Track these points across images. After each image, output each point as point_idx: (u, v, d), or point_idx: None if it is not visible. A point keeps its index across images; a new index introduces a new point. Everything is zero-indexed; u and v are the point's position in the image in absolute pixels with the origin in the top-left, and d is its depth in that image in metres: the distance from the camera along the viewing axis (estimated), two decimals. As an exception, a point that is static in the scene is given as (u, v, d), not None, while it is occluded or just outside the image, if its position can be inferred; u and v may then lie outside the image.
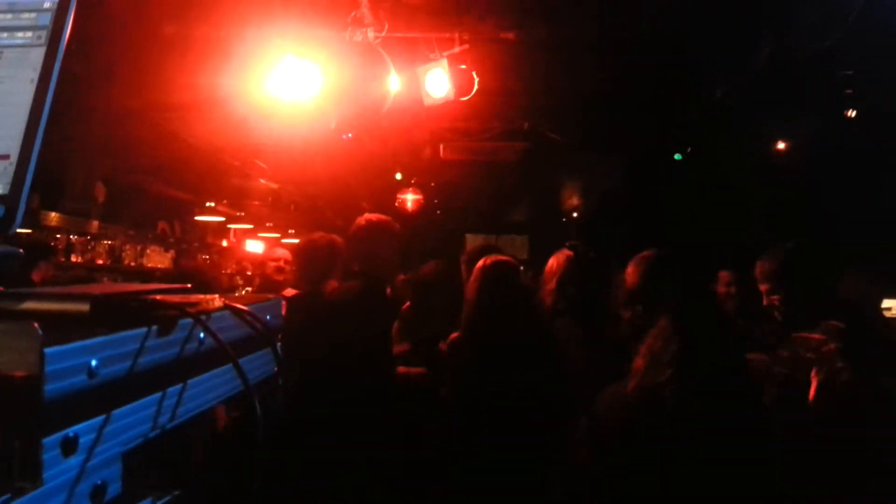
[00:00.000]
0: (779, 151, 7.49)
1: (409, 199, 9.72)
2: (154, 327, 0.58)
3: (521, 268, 6.66)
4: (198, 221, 10.65)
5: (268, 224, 12.43)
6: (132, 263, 8.71)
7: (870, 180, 7.27)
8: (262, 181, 9.65)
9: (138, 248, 8.97)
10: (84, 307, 0.55)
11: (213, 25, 4.44)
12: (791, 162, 7.49)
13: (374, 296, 2.74)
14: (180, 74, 4.76)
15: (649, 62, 5.39)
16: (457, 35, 4.73)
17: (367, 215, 3.16)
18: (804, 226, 7.39)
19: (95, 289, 0.58)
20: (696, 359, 1.92)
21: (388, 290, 3.34)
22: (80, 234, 8.02)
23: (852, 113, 6.09)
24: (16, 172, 0.78)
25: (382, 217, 3.17)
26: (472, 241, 12.98)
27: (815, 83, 5.61)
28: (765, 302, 2.62)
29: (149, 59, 4.61)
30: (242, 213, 11.19)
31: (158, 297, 0.61)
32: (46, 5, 0.84)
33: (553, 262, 3.18)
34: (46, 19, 0.84)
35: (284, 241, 13.06)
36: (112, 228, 8.58)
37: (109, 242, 8.44)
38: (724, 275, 3.90)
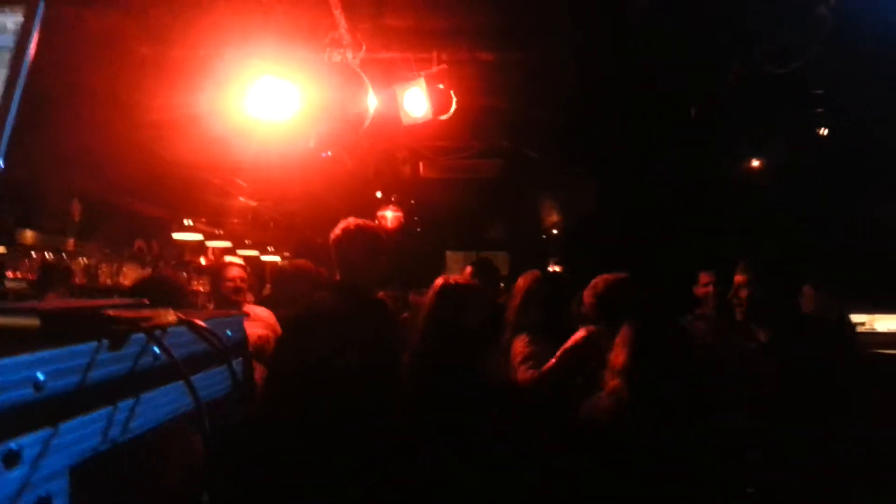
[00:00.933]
0: (753, 169, 7.62)
1: (390, 216, 9.72)
2: (105, 341, 0.59)
3: (502, 285, 6.71)
4: (175, 239, 10.57)
5: (246, 241, 12.37)
6: (108, 281, 8.62)
7: (841, 197, 7.42)
8: (241, 199, 9.62)
9: (114, 266, 8.88)
10: (34, 322, 0.55)
11: (191, 45, 4.45)
12: (765, 180, 7.62)
13: (372, 313, 2.68)
14: (158, 93, 4.76)
15: (625, 81, 5.48)
16: (434, 55, 4.78)
17: (350, 220, 2.97)
18: (778, 243, 7.51)
19: (47, 304, 0.59)
20: (645, 367, 2.18)
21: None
22: (55, 252, 7.93)
23: (824, 131, 6.22)
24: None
25: (366, 222, 2.99)
26: (453, 257, 13.02)
27: (787, 102, 5.73)
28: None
29: (126, 78, 4.60)
30: (221, 231, 11.13)
31: (111, 311, 0.61)
32: (9, 26, 0.85)
33: (521, 282, 3.37)
34: (9, 40, 0.84)
35: (263, 258, 13.01)
36: (88, 246, 8.50)
37: (85, 261, 8.35)
38: (703, 275, 4.12)
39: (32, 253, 7.60)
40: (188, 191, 8.36)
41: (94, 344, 0.58)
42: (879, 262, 6.73)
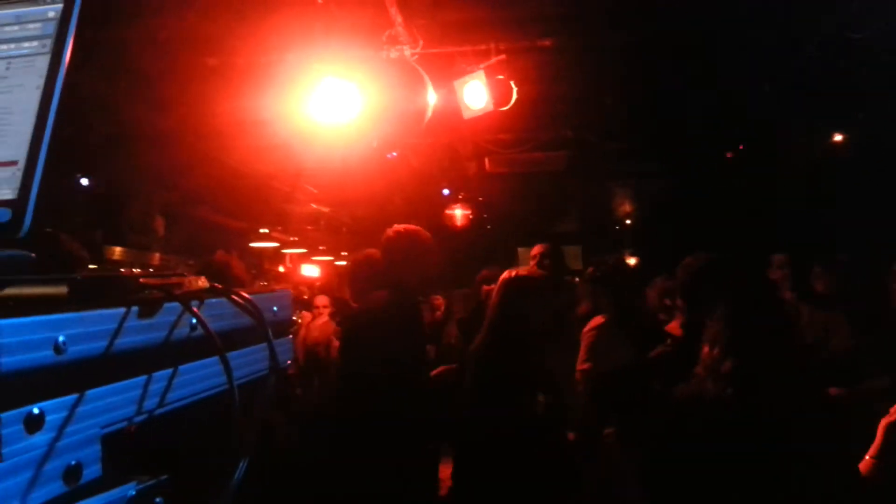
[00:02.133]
0: (836, 144, 7.19)
1: (458, 214, 9.71)
2: (134, 308, 0.57)
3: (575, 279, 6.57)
4: (253, 248, 10.89)
5: (321, 247, 12.63)
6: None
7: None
8: (313, 205, 9.82)
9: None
10: (62, 290, 0.54)
11: (254, 52, 4.55)
12: (851, 155, 7.18)
13: (402, 314, 2.69)
14: (225, 102, 4.89)
15: (691, 63, 5.27)
16: (492, 46, 4.72)
17: (397, 226, 3.08)
18: (874, 222, 7.04)
19: (78, 273, 0.58)
20: (753, 371, 1.97)
21: (421, 306, 3.32)
22: (142, 267, 8.30)
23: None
24: (23, 178, 0.79)
25: (412, 227, 3.08)
26: (524, 254, 12.88)
27: (868, 73, 5.37)
28: None
29: (196, 88, 4.74)
30: (296, 238, 11.38)
31: (143, 279, 0.60)
32: (51, 14, 0.87)
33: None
34: (51, 28, 0.86)
35: (338, 263, 13.25)
36: (172, 259, 8.84)
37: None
38: (776, 258, 3.95)
39: (121, 270, 7.96)
40: (260, 199, 8.60)
41: (121, 310, 0.56)
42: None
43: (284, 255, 13.18)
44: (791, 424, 1.93)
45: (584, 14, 4.65)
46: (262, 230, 10.63)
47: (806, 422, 1.95)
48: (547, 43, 4.86)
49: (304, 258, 13.53)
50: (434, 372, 3.12)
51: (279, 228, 10.90)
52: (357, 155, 5.93)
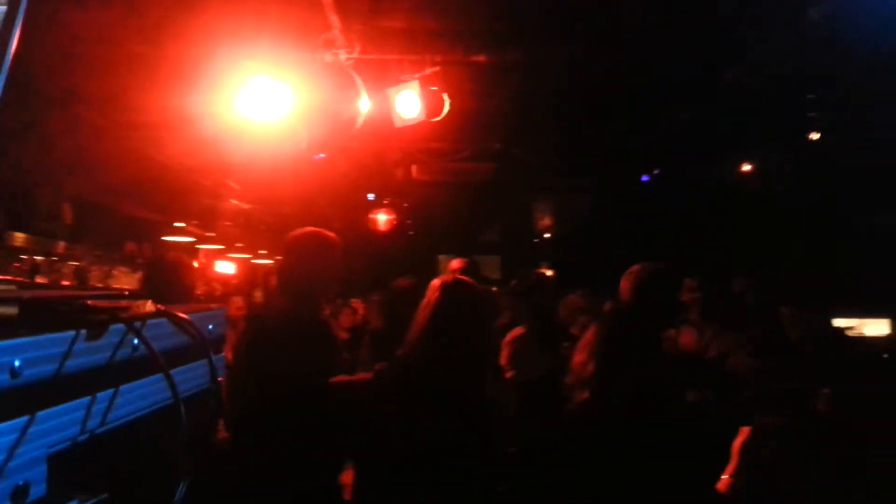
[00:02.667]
0: (745, 174, 7.65)
1: (382, 219, 9.72)
2: (83, 331, 0.59)
3: (494, 288, 6.72)
4: (167, 242, 10.53)
5: (238, 245, 12.34)
6: (99, 285, 8.57)
7: (832, 201, 7.47)
8: (233, 201, 9.60)
9: (105, 268, 8.83)
10: (12, 310, 0.55)
11: (184, 45, 4.44)
12: (757, 184, 7.66)
13: (302, 322, 2.56)
14: (151, 94, 4.74)
15: (619, 85, 5.49)
16: (428, 57, 4.78)
17: (302, 228, 2.92)
18: (770, 244, 7.55)
19: (26, 293, 0.59)
20: (616, 375, 2.18)
21: (326, 311, 3.25)
22: (46, 255, 7.89)
23: (816, 135, 6.26)
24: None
25: (315, 230, 2.91)
26: (445, 262, 13.01)
27: (779, 107, 5.76)
28: None
29: (119, 79, 4.58)
30: (213, 234, 11.09)
31: (90, 301, 0.61)
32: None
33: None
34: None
35: (254, 261, 12.99)
36: (78, 249, 8.46)
37: (76, 263, 8.31)
38: (688, 282, 4.14)
39: (22, 256, 7.56)
40: (180, 193, 8.34)
41: (72, 333, 0.58)
42: (868, 266, 6.77)
43: (199, 250, 12.81)
44: (643, 426, 2.09)
45: (517, 32, 4.78)
46: (177, 224, 10.30)
47: (659, 424, 2.12)
48: (481, 58, 4.95)
49: (219, 254, 13.19)
50: (340, 379, 3.05)
51: (195, 223, 10.60)
52: (285, 154, 5.86)
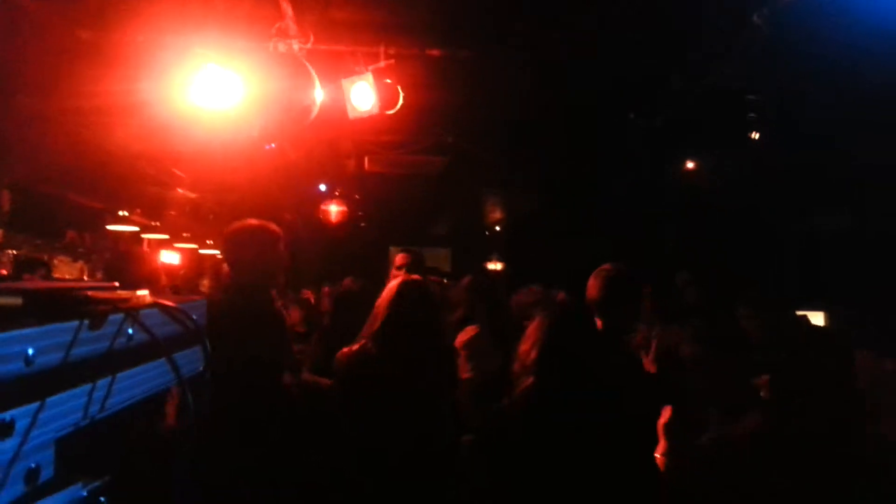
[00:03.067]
0: (689, 172, 7.89)
1: (333, 210, 9.67)
2: (85, 321, 0.61)
3: (444, 280, 6.78)
4: (110, 231, 10.23)
5: (185, 234, 12.08)
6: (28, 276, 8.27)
7: (772, 198, 7.78)
8: (180, 190, 9.39)
9: (45, 257, 8.53)
10: (16, 301, 0.57)
11: (132, 30, 4.34)
12: (700, 182, 7.91)
13: (243, 315, 2.53)
14: (96, 79, 4.61)
15: (569, 83, 5.60)
16: (382, 50, 4.78)
17: (243, 221, 2.92)
18: (711, 242, 7.83)
19: (28, 284, 0.60)
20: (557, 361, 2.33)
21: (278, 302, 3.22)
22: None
23: (756, 135, 6.49)
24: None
25: (256, 222, 2.91)
26: (396, 253, 13.01)
27: (722, 107, 5.97)
28: None
29: (63, 63, 4.44)
30: (157, 223, 10.83)
31: (90, 292, 0.63)
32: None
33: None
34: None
35: (202, 251, 12.74)
36: (17, 238, 8.14)
37: (14, 252, 8.00)
38: None
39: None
40: (124, 181, 8.12)
41: (76, 323, 0.60)
42: (805, 262, 7.09)
43: (143, 239, 12.48)
44: (582, 408, 2.21)
45: (472, 28, 4.83)
46: (121, 212, 10.01)
47: (599, 405, 2.23)
48: (435, 52, 4.98)
49: (164, 244, 12.88)
50: (306, 377, 3.04)
51: (139, 211, 10.32)
52: (235, 143, 5.78)
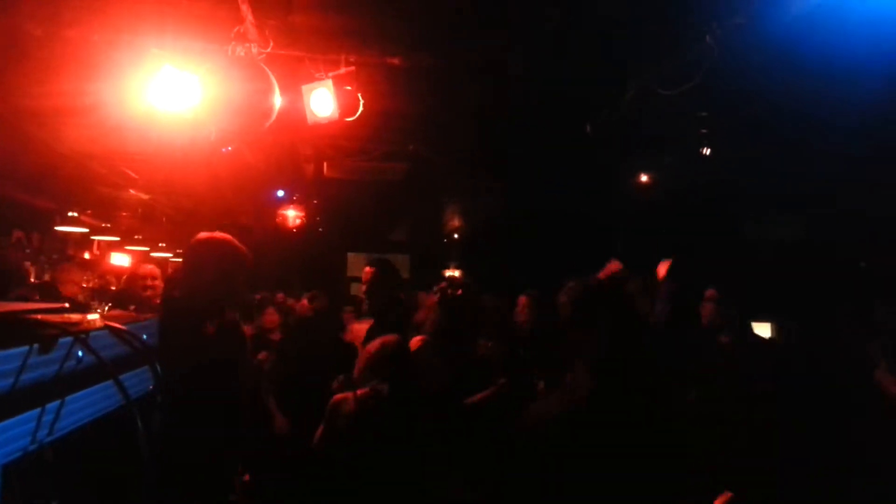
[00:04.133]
0: (643, 184, 8.07)
1: (291, 215, 9.59)
2: (35, 346, 0.61)
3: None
4: (58, 232, 9.96)
5: (137, 237, 11.82)
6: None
7: (722, 210, 8.01)
8: (132, 191, 9.19)
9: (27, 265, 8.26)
10: (-35, 326, 0.57)
11: (87, 29, 4.24)
12: (654, 194, 8.10)
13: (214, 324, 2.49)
14: (48, 78, 4.50)
15: (528, 93, 5.68)
16: (342, 57, 4.78)
17: (209, 234, 2.79)
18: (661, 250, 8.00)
19: (-25, 308, 0.60)
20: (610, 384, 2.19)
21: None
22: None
23: (707, 150, 6.68)
24: None
25: (218, 236, 2.77)
26: (354, 259, 12.96)
27: (674, 123, 6.13)
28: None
29: (15, 62, 4.32)
30: (108, 225, 10.58)
31: (40, 316, 0.63)
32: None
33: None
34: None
35: (154, 255, 12.49)
36: (-42, 237, 7.88)
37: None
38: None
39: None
40: (77, 182, 7.92)
41: (25, 348, 0.60)
42: (753, 272, 7.30)
43: (93, 241, 12.18)
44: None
45: (431, 36, 4.86)
46: (70, 213, 9.76)
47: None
48: (395, 60, 5.00)
49: (115, 246, 12.59)
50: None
51: (89, 212, 10.08)
52: (191, 146, 5.69)
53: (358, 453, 2.44)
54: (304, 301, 5.19)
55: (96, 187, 8.49)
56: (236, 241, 2.77)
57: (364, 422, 2.47)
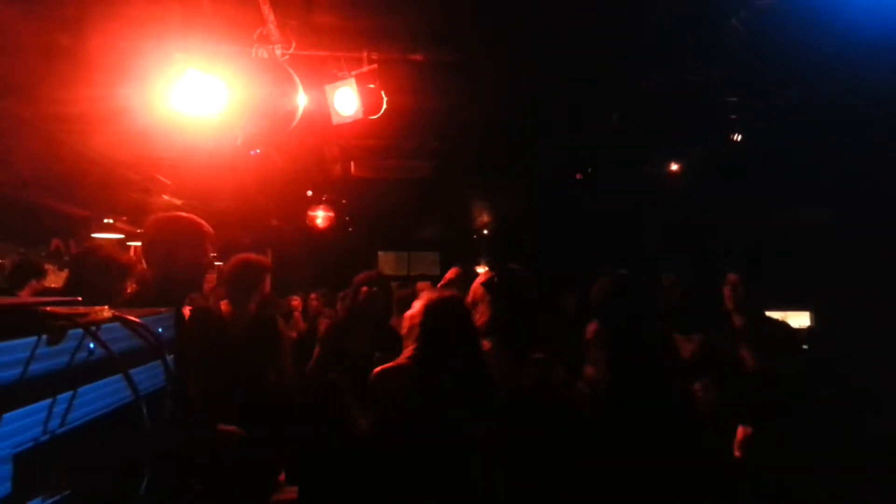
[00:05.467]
0: (672, 173, 7.95)
1: (320, 216, 9.65)
2: (44, 336, 0.61)
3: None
4: (94, 238, 10.17)
5: (139, 231, 12.02)
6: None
7: (754, 200, 7.86)
8: (165, 197, 9.35)
9: (43, 265, 8.46)
10: (-27, 317, 0.57)
11: (112, 36, 4.32)
12: (683, 183, 7.97)
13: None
14: (78, 85, 4.59)
15: (551, 87, 5.63)
16: (365, 55, 4.79)
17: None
18: (693, 243, 7.88)
19: (-16, 300, 0.61)
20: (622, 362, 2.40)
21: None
22: (-38, 253, 7.53)
23: (738, 137, 6.56)
24: None
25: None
26: (384, 257, 13.02)
27: (703, 109, 6.03)
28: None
29: (44, 70, 4.42)
30: (142, 230, 10.76)
31: (49, 308, 0.64)
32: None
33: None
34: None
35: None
36: (1, 247, 8.09)
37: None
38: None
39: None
40: (108, 188, 8.08)
41: (34, 339, 0.60)
42: (789, 261, 7.15)
43: (129, 247, 12.41)
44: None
45: (454, 31, 4.84)
46: (105, 220, 9.97)
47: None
48: (418, 57, 4.99)
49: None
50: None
51: (124, 219, 10.27)
52: (219, 150, 5.77)
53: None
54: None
55: (129, 193, 8.65)
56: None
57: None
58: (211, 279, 4.97)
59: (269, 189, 8.47)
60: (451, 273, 4.42)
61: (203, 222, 2.57)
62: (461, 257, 11.72)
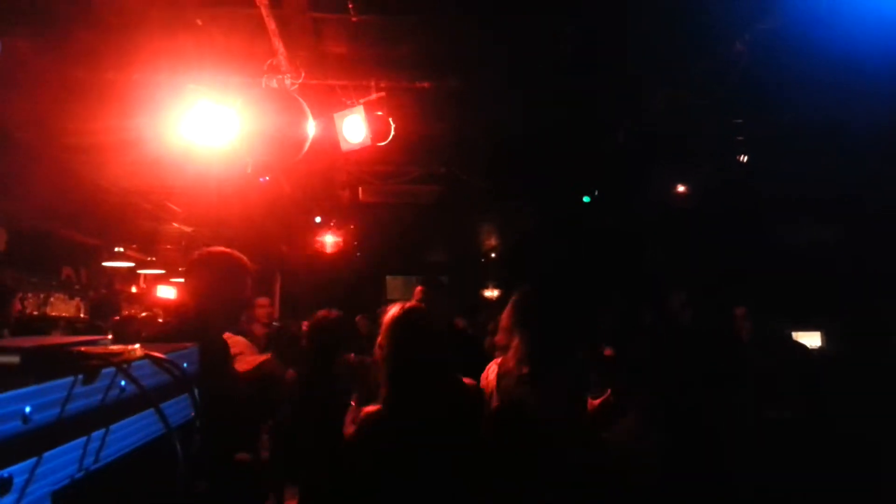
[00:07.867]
0: (679, 194, 7.96)
1: (329, 241, 9.71)
2: (80, 376, 0.63)
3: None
4: (105, 267, 10.23)
5: (180, 269, 12.07)
6: (34, 312, 8.26)
7: (760, 219, 7.85)
8: (175, 224, 9.43)
9: (41, 295, 8.53)
10: (14, 359, 0.60)
11: (126, 69, 4.40)
12: (690, 204, 7.98)
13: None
14: (93, 117, 4.67)
15: (558, 110, 5.68)
16: (373, 83, 4.85)
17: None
18: (699, 262, 7.87)
19: (25, 341, 0.63)
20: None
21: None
22: (-24, 282, 7.58)
23: (744, 158, 6.58)
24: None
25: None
26: (392, 282, 13.04)
27: (709, 131, 6.05)
28: None
29: (59, 102, 4.50)
30: (153, 258, 10.83)
31: (83, 348, 0.66)
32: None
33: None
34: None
35: (174, 279, 12.75)
36: (13, 275, 8.15)
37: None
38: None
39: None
40: (120, 216, 8.16)
41: (71, 379, 0.62)
42: (796, 280, 7.12)
43: (139, 275, 12.48)
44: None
45: (460, 58, 4.91)
46: (116, 248, 10.04)
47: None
48: (425, 84, 5.06)
49: (160, 279, 12.87)
50: None
51: (134, 247, 10.35)
52: (229, 178, 5.83)
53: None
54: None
55: (140, 222, 8.73)
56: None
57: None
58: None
59: (278, 215, 8.53)
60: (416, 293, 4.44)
61: (245, 259, 2.62)
62: (470, 281, 11.73)
